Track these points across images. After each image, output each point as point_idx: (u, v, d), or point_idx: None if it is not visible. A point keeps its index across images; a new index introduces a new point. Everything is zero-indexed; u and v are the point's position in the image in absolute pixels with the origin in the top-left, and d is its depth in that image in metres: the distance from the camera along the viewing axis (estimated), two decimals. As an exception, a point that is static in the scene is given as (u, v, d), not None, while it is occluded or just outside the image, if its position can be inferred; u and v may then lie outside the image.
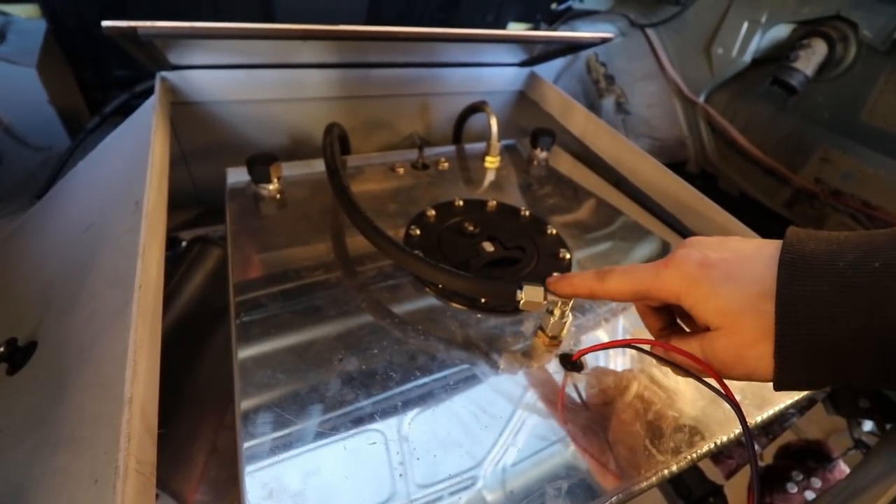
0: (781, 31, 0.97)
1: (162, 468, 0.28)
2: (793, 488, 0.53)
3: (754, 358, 0.25)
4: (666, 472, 0.31)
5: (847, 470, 0.54)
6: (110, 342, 0.30)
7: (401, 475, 0.29)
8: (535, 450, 0.31)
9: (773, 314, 0.24)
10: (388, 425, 0.32)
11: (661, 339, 0.32)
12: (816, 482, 0.53)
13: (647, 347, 0.36)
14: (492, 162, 0.67)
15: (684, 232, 0.58)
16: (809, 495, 0.53)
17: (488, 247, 0.47)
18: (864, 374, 0.23)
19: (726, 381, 0.28)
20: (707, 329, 0.28)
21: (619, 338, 0.41)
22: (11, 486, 0.26)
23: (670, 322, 0.33)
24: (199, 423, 0.46)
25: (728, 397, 0.31)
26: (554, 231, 0.52)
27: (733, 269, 0.26)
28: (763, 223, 0.59)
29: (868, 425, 0.54)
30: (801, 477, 0.54)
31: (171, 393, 0.33)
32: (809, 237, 0.26)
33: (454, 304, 0.42)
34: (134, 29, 0.42)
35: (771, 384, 0.25)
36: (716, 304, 0.26)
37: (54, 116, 0.71)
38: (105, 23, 0.41)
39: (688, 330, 0.32)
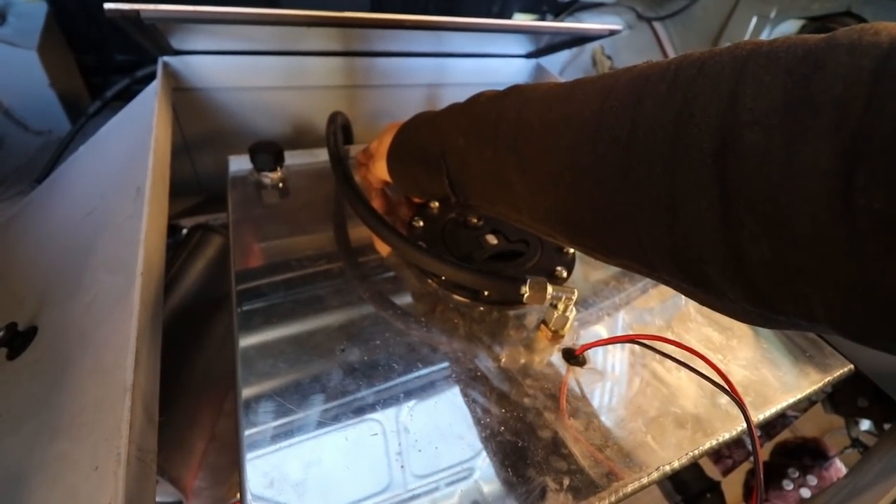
0: (790, 26, 0.96)
1: (161, 454, 0.28)
2: (788, 485, 0.54)
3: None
4: (668, 468, 0.31)
5: (843, 468, 0.54)
6: (112, 329, 0.29)
7: (402, 466, 0.29)
8: (536, 444, 0.31)
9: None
10: (389, 416, 0.32)
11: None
12: (812, 480, 0.53)
13: (650, 343, 0.36)
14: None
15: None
16: (805, 492, 0.53)
17: (492, 239, 0.47)
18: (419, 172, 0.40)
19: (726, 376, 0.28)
20: None
21: (622, 333, 0.41)
22: (11, 471, 0.26)
23: None
24: (197, 410, 0.46)
25: (733, 394, 0.31)
26: (558, 225, 0.52)
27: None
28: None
29: (865, 424, 0.55)
30: (797, 474, 0.54)
31: (169, 380, 0.33)
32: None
33: (457, 297, 0.42)
34: (137, 12, 0.42)
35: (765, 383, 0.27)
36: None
37: (55, 100, 0.70)
38: (107, 5, 0.40)
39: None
